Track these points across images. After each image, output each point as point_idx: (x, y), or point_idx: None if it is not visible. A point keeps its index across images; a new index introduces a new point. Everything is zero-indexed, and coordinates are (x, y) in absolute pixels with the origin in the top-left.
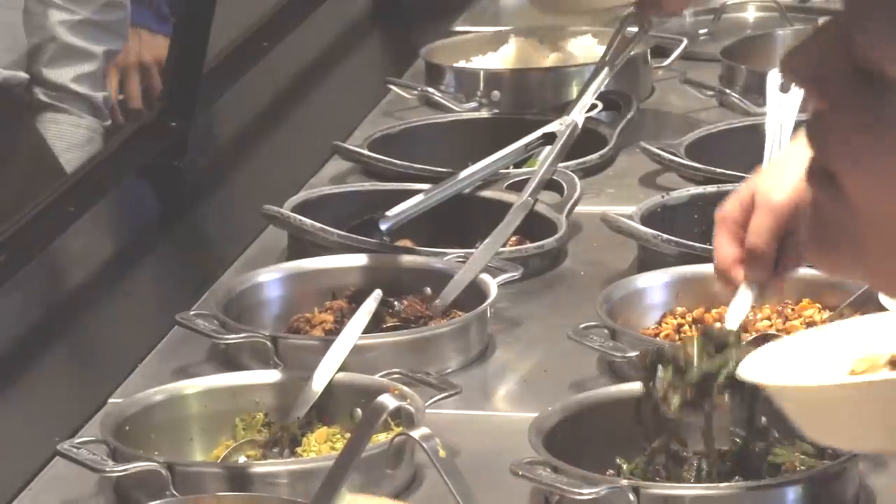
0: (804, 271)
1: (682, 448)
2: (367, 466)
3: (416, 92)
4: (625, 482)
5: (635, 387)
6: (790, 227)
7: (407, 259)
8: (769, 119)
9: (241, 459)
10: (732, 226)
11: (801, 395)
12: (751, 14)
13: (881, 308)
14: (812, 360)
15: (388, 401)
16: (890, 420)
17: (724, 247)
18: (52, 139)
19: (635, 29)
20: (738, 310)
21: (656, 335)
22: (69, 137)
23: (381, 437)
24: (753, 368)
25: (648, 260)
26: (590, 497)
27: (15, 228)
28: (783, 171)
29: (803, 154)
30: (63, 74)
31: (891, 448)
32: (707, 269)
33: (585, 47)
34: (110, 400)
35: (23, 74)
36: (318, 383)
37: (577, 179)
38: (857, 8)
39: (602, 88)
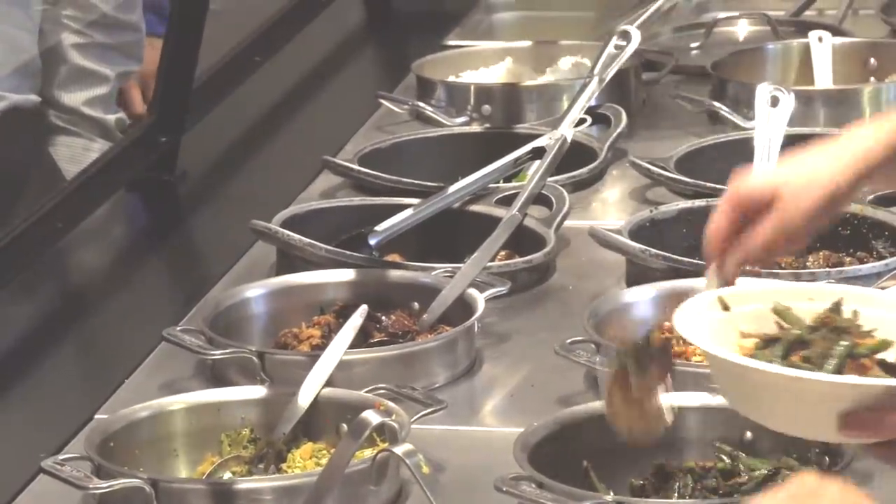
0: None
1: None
2: (352, 483)
3: (406, 106)
4: (609, 498)
5: None
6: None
7: (395, 274)
8: (758, 133)
9: (227, 475)
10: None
11: (729, 369)
12: (741, 28)
13: None
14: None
15: (372, 417)
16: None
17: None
18: (63, 163)
19: (623, 43)
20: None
21: None
22: (81, 161)
23: (366, 453)
24: (688, 323)
25: (636, 274)
26: None
27: (2, 244)
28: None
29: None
30: (75, 98)
31: (810, 435)
32: (696, 283)
33: (576, 64)
34: (96, 416)
35: (35, 98)
36: (304, 399)
37: (566, 194)
38: None
39: (591, 103)
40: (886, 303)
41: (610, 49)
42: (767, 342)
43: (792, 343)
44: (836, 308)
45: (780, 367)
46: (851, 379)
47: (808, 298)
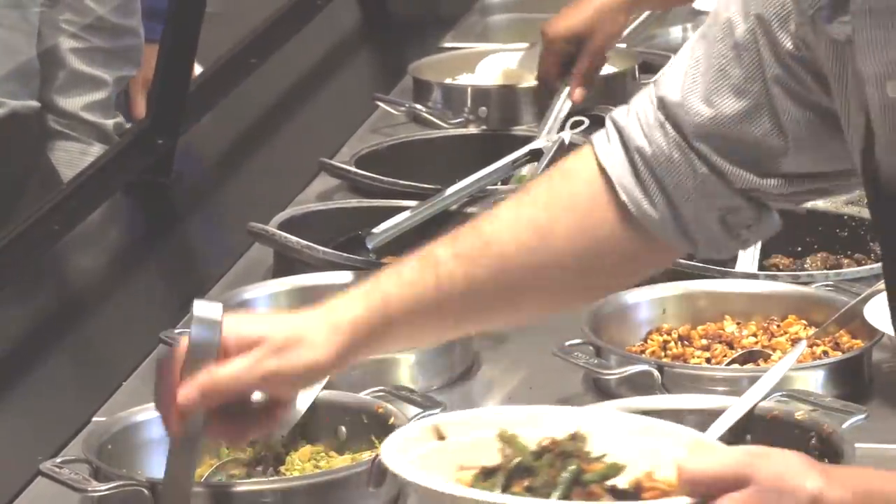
0: (790, 287)
1: None
2: (351, 485)
3: (403, 108)
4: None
5: (620, 404)
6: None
7: None
8: None
9: (225, 478)
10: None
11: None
12: None
13: (867, 324)
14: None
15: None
16: None
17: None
18: (62, 167)
19: (623, 45)
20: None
21: (642, 352)
22: (79, 165)
23: (365, 456)
24: (397, 451)
25: None
26: None
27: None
28: None
29: None
30: (74, 102)
31: None
32: (694, 285)
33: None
34: (94, 418)
35: (34, 103)
36: (303, 402)
37: None
38: None
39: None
40: (624, 427)
41: None
42: (487, 473)
43: (513, 471)
44: (572, 437)
45: (501, 496)
46: None
47: (535, 425)
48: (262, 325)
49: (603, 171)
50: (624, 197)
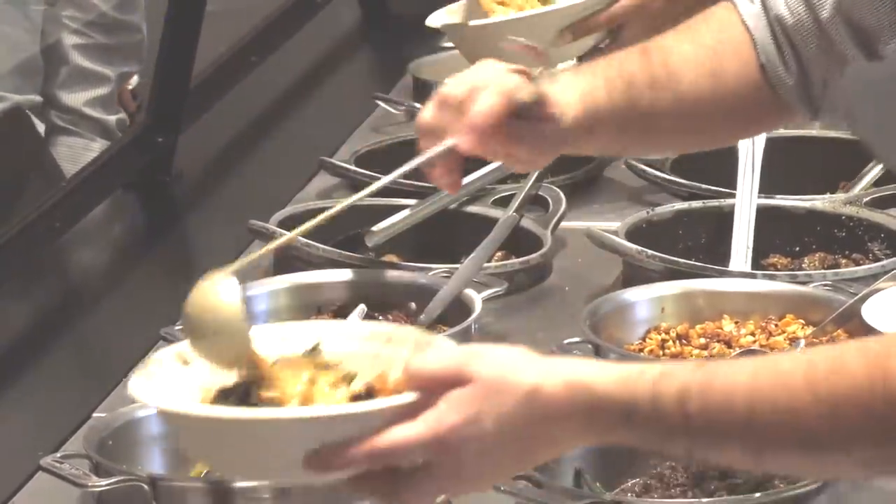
0: (788, 287)
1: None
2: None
3: (403, 107)
4: (607, 496)
5: None
6: None
7: (392, 274)
8: None
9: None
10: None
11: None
12: None
13: (864, 324)
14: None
15: None
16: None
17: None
18: (64, 163)
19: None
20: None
21: (640, 351)
22: (82, 161)
23: None
24: (144, 379)
25: (633, 275)
26: None
27: (0, 243)
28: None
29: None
30: (76, 98)
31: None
32: (692, 284)
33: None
34: (94, 414)
35: (37, 98)
36: None
37: (562, 195)
38: None
39: None
40: (358, 334)
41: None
42: (226, 391)
43: (251, 386)
44: (309, 351)
45: (235, 410)
46: (312, 410)
47: (281, 339)
48: None
49: (747, 29)
50: (763, 59)
